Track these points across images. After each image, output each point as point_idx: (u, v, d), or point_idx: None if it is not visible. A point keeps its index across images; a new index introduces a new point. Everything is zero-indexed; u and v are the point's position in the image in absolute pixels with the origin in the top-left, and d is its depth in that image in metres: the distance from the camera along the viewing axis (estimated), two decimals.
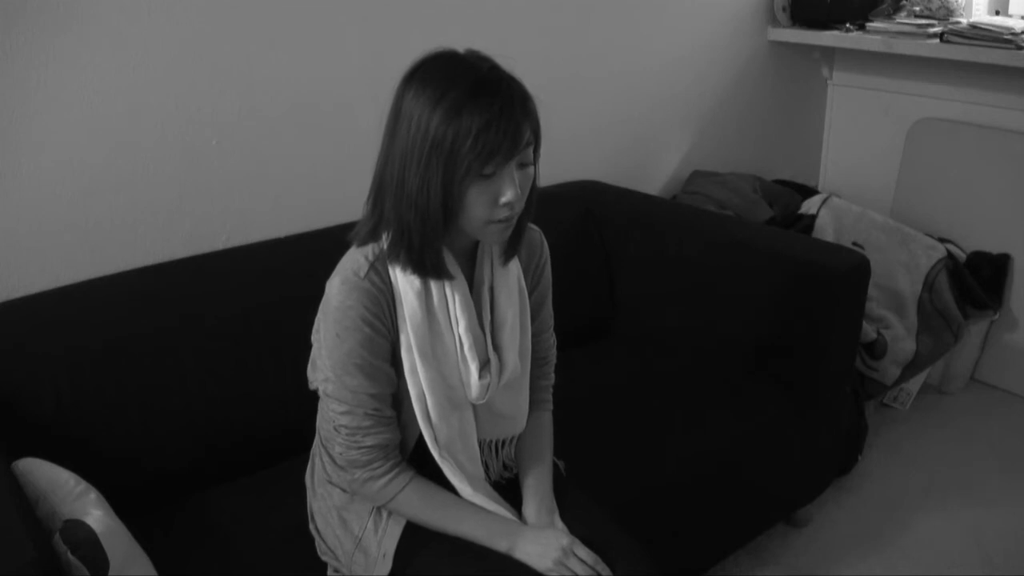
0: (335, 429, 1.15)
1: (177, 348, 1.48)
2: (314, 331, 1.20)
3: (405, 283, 1.11)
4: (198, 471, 1.50)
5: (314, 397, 1.60)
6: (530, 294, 1.26)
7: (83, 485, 1.18)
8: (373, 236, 1.12)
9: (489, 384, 1.17)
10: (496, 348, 1.19)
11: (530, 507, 1.21)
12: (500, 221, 1.07)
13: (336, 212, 1.80)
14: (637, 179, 2.41)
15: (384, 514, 1.20)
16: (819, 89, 2.90)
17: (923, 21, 2.48)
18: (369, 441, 1.13)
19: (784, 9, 2.66)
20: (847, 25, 2.58)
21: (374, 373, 1.12)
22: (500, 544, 1.15)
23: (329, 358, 1.12)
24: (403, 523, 1.19)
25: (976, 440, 2.32)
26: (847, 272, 1.76)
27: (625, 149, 2.40)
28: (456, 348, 1.15)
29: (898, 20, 2.54)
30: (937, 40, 2.39)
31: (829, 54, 2.83)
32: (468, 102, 1.01)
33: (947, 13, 2.53)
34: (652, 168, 2.51)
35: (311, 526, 1.30)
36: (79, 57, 1.47)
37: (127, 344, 1.44)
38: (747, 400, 1.75)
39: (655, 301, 2.03)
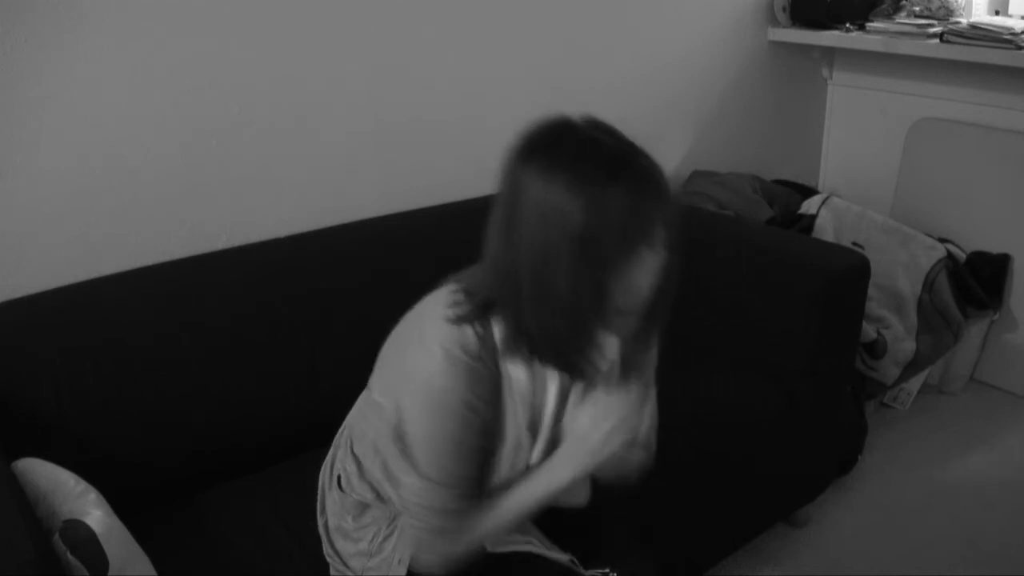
0: (407, 503, 1.08)
1: (177, 348, 1.48)
2: (388, 363, 1.12)
3: (514, 367, 1.06)
4: (198, 471, 1.50)
5: (313, 397, 1.61)
6: None
7: (83, 485, 1.18)
8: (478, 317, 1.02)
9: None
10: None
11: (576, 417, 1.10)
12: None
13: (335, 212, 1.80)
14: None
15: (399, 521, 1.19)
16: (819, 89, 2.90)
17: (923, 21, 2.48)
18: (440, 521, 1.07)
19: (784, 9, 2.66)
20: (847, 25, 2.57)
21: (470, 456, 1.05)
22: (569, 467, 1.07)
23: (425, 439, 1.04)
24: None
25: (976, 440, 2.31)
26: (847, 272, 1.76)
27: None
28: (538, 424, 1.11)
29: (898, 20, 2.54)
30: (937, 40, 2.39)
31: (829, 54, 2.83)
32: (609, 185, 0.92)
33: (947, 13, 2.53)
34: None
35: (319, 521, 1.28)
36: (79, 57, 1.47)
37: (127, 344, 1.44)
38: (747, 399, 1.75)
39: None
